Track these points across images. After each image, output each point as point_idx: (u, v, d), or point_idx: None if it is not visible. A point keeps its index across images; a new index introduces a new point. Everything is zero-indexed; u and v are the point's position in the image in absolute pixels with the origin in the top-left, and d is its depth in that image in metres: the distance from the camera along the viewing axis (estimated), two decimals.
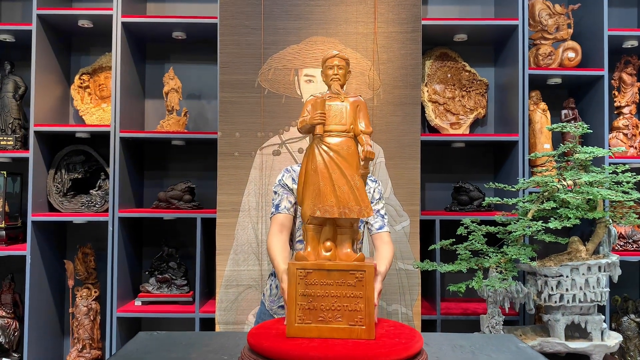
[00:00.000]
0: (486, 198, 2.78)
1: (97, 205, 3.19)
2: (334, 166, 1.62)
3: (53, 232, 3.27)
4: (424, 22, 2.99)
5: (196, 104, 3.47)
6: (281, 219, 2.12)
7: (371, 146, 1.65)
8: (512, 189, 2.70)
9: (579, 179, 2.47)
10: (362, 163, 1.67)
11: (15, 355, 3.16)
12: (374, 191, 2.23)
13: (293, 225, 2.15)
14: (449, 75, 3.36)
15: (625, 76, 3.27)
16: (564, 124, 2.70)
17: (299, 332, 1.49)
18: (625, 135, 3.22)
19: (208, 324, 3.03)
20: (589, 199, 2.45)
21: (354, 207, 1.60)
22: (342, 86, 1.75)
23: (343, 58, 1.76)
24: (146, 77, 3.48)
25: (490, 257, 2.49)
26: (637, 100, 3.30)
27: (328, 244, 1.63)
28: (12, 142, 3.17)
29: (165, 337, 1.86)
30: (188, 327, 3.23)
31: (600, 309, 2.81)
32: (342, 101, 1.71)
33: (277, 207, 2.14)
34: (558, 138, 3.28)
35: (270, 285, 2.24)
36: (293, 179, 2.17)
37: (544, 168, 2.92)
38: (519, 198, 2.67)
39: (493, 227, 2.61)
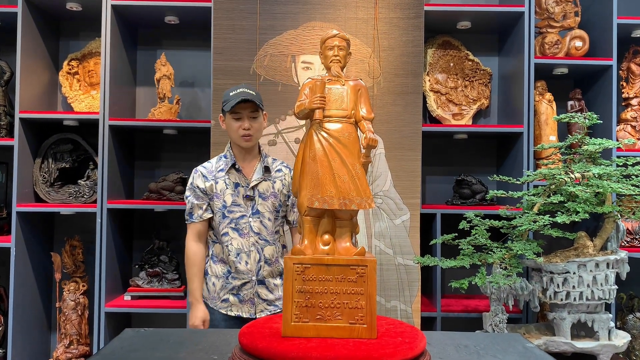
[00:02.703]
0: (489, 191, 2.68)
1: (85, 196, 3.08)
2: (334, 154, 1.51)
3: (39, 223, 3.16)
4: (426, 8, 2.89)
5: (189, 92, 3.36)
6: (197, 227, 2.23)
7: (373, 133, 1.55)
8: (517, 182, 2.60)
9: (587, 171, 2.37)
10: (363, 151, 1.57)
11: (0, 350, 3.05)
12: (291, 179, 2.22)
13: (214, 222, 2.22)
14: (451, 64, 3.26)
15: (634, 67, 3.17)
16: (573, 114, 2.60)
17: (295, 332, 1.39)
18: (634, 127, 3.12)
19: None
20: (596, 192, 2.35)
21: (355, 198, 1.49)
22: (342, 68, 1.65)
23: (343, 38, 1.65)
24: (137, 63, 3.36)
25: (494, 252, 2.39)
26: None
27: (326, 237, 1.53)
28: None
29: (152, 335, 1.77)
30: (179, 323, 3.13)
31: (607, 307, 2.72)
32: (343, 84, 1.60)
33: (190, 215, 2.22)
34: (563, 130, 3.19)
35: (207, 284, 2.27)
36: (204, 176, 2.21)
37: (549, 160, 2.83)
38: (525, 191, 2.57)
39: (497, 221, 2.52)
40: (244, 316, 2.19)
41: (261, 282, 2.19)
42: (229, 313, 2.21)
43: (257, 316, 2.19)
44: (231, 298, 2.20)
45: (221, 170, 2.21)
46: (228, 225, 2.17)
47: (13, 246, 2.89)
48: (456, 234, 2.52)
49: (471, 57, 3.29)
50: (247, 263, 2.16)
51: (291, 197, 2.27)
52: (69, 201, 3.07)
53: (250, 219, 2.17)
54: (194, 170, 2.26)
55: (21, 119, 2.93)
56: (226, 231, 2.18)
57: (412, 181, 2.80)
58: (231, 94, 2.15)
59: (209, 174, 2.22)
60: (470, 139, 3.31)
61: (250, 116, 2.15)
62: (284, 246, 2.31)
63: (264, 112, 2.25)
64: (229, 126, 2.19)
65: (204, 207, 2.20)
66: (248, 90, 2.15)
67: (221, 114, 2.24)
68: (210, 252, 2.28)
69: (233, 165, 2.20)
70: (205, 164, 2.26)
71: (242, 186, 2.19)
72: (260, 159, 2.25)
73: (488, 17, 3.09)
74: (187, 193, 2.23)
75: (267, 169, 2.23)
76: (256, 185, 2.20)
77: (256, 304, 2.20)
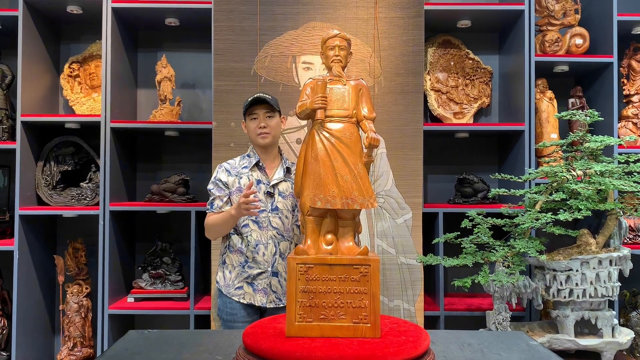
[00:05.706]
0: (491, 190, 2.68)
1: (87, 199, 3.08)
2: (336, 154, 1.52)
3: (42, 226, 3.16)
4: (426, 7, 2.89)
5: (190, 93, 3.36)
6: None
7: (375, 132, 1.55)
8: (519, 180, 2.60)
9: (589, 168, 2.37)
10: (365, 150, 1.57)
11: (4, 354, 3.05)
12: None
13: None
14: (452, 63, 3.26)
15: (634, 63, 3.16)
16: (574, 111, 2.60)
17: (299, 331, 1.39)
18: (635, 124, 3.12)
19: (203, 321, 2.93)
20: (598, 190, 2.35)
21: (358, 198, 1.50)
22: (343, 68, 1.65)
23: (344, 38, 1.66)
24: (138, 66, 3.36)
25: (496, 250, 2.39)
26: None
27: (329, 236, 1.54)
28: None
29: (156, 336, 1.78)
30: (183, 324, 3.13)
31: (610, 305, 2.72)
32: (344, 84, 1.61)
33: (211, 205, 2.37)
34: (565, 128, 3.19)
35: (224, 272, 2.39)
36: (227, 171, 2.39)
37: (550, 158, 2.82)
38: (527, 189, 2.57)
39: (499, 219, 2.52)
40: (257, 304, 2.31)
41: (275, 274, 2.32)
42: (242, 301, 2.32)
43: (268, 306, 2.31)
44: (245, 286, 2.32)
45: (245, 167, 2.39)
46: (249, 217, 2.31)
47: (16, 249, 2.89)
48: (458, 233, 2.53)
49: (472, 55, 3.29)
50: (264, 254, 2.31)
51: None
52: (71, 204, 3.07)
53: (270, 214, 2.33)
54: (218, 166, 2.44)
55: (23, 123, 2.94)
56: (247, 223, 2.33)
57: (413, 180, 2.81)
58: (249, 99, 2.33)
59: (233, 169, 2.39)
60: (472, 137, 3.31)
61: (266, 116, 2.34)
62: (297, 244, 2.37)
63: (282, 116, 2.43)
64: (248, 128, 2.38)
65: (225, 199, 2.35)
66: (264, 95, 2.33)
67: (243, 121, 2.42)
68: (228, 243, 2.39)
69: (257, 164, 2.37)
70: (230, 161, 2.44)
71: (264, 183, 2.35)
72: (281, 160, 2.42)
73: (488, 16, 3.09)
74: (210, 186, 2.39)
75: (288, 170, 2.39)
76: (277, 184, 2.35)
77: (268, 293, 2.31)
